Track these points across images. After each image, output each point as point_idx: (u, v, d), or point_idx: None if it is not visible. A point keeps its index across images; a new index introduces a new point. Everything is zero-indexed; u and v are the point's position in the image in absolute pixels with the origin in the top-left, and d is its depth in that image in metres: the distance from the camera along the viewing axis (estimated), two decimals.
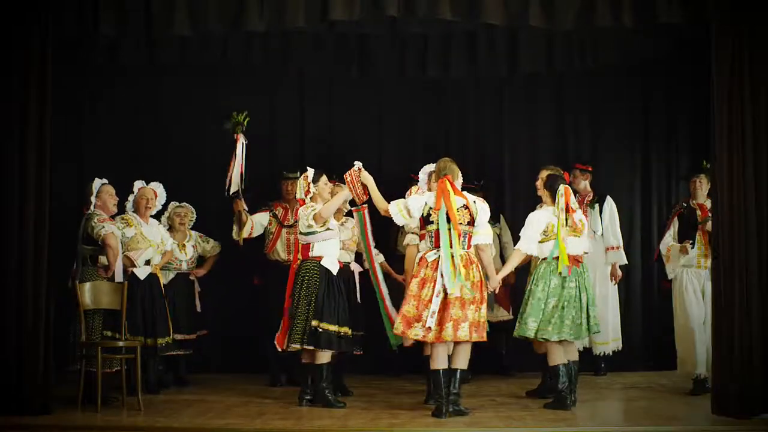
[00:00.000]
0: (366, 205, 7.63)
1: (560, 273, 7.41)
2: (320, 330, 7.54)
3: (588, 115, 10.31)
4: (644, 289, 10.10)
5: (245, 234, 8.82)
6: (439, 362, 7.18)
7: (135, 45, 9.15)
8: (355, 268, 8.37)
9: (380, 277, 7.85)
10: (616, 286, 9.49)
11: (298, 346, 7.61)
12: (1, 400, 7.04)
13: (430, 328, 7.05)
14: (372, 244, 7.88)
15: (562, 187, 7.53)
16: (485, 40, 9.55)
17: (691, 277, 8.27)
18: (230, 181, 8.52)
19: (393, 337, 7.55)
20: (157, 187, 8.56)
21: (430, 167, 8.03)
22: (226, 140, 9.78)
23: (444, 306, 7.07)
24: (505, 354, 9.57)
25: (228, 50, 9.37)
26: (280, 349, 7.83)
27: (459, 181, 7.39)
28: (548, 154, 10.08)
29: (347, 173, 7.56)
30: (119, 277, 7.92)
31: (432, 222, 7.18)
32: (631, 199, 10.14)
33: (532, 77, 10.06)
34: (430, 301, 7.07)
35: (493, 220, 9.35)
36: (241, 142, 8.49)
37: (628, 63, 9.84)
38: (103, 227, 7.83)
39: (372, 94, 10.24)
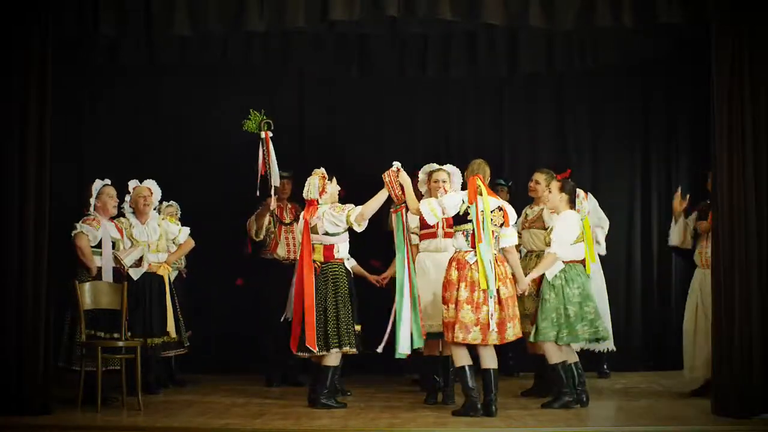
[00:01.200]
0: (404, 205, 7.52)
1: (583, 270, 7.53)
2: (360, 334, 7.59)
3: (588, 115, 10.31)
4: (644, 290, 10.10)
5: (261, 235, 8.82)
6: (463, 358, 7.17)
7: (135, 45, 9.16)
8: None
9: (413, 280, 7.56)
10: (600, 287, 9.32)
11: (349, 350, 7.53)
12: (1, 400, 7.04)
13: (492, 330, 7.06)
14: (410, 244, 7.69)
15: (581, 192, 7.64)
16: (485, 40, 9.56)
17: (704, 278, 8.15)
18: (266, 178, 8.44)
19: (419, 341, 7.47)
20: (152, 185, 8.53)
21: (431, 167, 8.04)
22: (226, 140, 9.83)
23: (501, 306, 7.10)
24: (511, 356, 9.55)
25: (228, 50, 9.38)
26: (301, 355, 7.68)
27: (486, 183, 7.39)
28: (548, 154, 10.09)
29: (386, 173, 7.45)
30: (108, 277, 7.92)
31: (470, 221, 7.16)
32: (631, 199, 10.14)
33: (532, 77, 10.07)
34: (485, 303, 7.08)
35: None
36: (270, 138, 8.43)
37: (628, 63, 9.85)
38: (76, 227, 7.86)
39: (372, 94, 10.24)
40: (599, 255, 9.12)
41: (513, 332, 7.20)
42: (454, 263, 7.20)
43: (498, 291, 7.11)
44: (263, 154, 8.40)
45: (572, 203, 7.64)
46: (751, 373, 6.92)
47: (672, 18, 7.11)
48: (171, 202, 9.10)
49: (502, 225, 7.26)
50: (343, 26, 8.55)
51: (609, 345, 9.22)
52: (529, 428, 6.80)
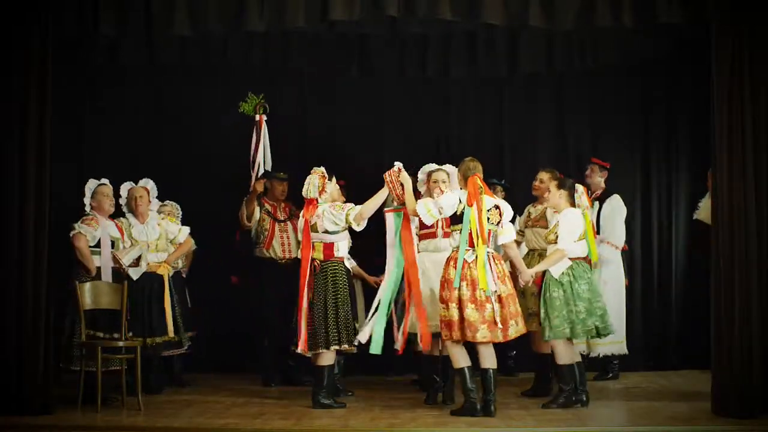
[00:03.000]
0: (404, 206, 7.54)
1: (592, 269, 7.56)
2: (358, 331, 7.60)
3: (588, 115, 10.30)
4: (644, 290, 10.10)
5: (253, 221, 8.82)
6: (462, 360, 7.19)
7: (135, 45, 9.16)
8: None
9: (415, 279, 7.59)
10: (618, 288, 9.35)
11: (349, 347, 7.58)
12: (1, 400, 7.04)
13: (498, 328, 7.07)
14: (415, 244, 7.68)
15: (580, 188, 7.62)
16: (485, 40, 9.56)
17: None
18: (255, 161, 8.45)
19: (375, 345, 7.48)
20: (147, 184, 8.53)
21: (430, 167, 8.04)
22: (226, 140, 9.84)
23: (502, 304, 7.12)
24: (512, 356, 9.55)
25: (228, 50, 9.38)
26: (305, 354, 7.69)
27: None
28: (548, 154, 10.09)
29: (387, 173, 7.48)
30: (106, 277, 7.91)
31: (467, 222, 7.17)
32: (631, 199, 10.13)
33: (532, 77, 10.06)
34: (488, 301, 7.09)
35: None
36: (264, 121, 8.45)
37: (628, 63, 9.85)
38: (74, 228, 7.85)
39: (372, 94, 10.24)
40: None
41: (515, 330, 7.21)
42: (452, 262, 7.20)
43: (498, 289, 7.12)
44: (256, 137, 8.42)
45: (572, 200, 7.65)
46: (751, 373, 6.92)
47: (672, 18, 7.11)
48: (167, 202, 9.06)
49: (498, 223, 7.27)
50: (343, 26, 8.55)
51: (622, 349, 9.20)
52: (529, 428, 6.80)
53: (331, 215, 7.58)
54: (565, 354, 7.48)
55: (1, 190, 7.17)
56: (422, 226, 7.74)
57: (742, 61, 7.05)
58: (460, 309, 7.09)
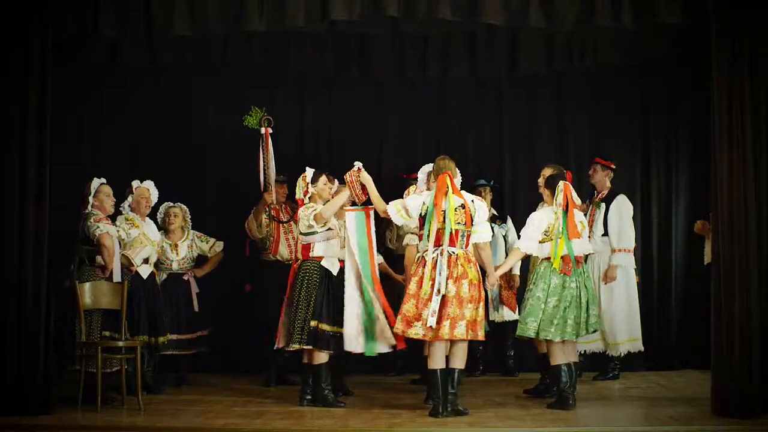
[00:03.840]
0: (370, 206, 7.57)
1: (555, 268, 7.44)
2: (318, 330, 7.54)
3: (588, 115, 10.30)
4: (644, 290, 10.08)
5: (263, 231, 8.84)
6: (437, 362, 7.19)
7: (135, 45, 9.15)
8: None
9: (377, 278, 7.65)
10: (631, 286, 9.34)
11: (297, 346, 7.60)
12: (1, 400, 7.04)
13: (431, 327, 7.06)
14: (374, 245, 7.73)
15: (561, 183, 7.55)
16: (485, 40, 9.55)
17: None
18: (265, 174, 8.48)
19: (371, 347, 7.49)
20: (150, 186, 8.57)
21: (430, 167, 8.04)
22: (227, 140, 9.84)
23: (442, 304, 7.08)
24: (512, 355, 9.54)
25: (228, 50, 9.37)
26: (276, 348, 7.82)
27: (458, 180, 7.41)
28: (548, 154, 10.07)
29: (347, 173, 7.55)
30: (117, 277, 7.91)
31: (430, 221, 7.18)
32: (631, 199, 10.10)
33: (532, 77, 10.06)
34: (430, 299, 7.08)
35: (501, 220, 9.38)
36: (270, 134, 8.48)
37: (628, 63, 9.84)
38: (98, 227, 7.82)
39: (372, 94, 10.24)
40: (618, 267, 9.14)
41: (459, 332, 7.10)
42: (419, 261, 7.25)
43: (443, 289, 7.09)
44: (262, 151, 8.44)
45: (553, 198, 7.59)
46: (751, 373, 6.92)
47: (672, 18, 7.10)
48: (177, 203, 9.08)
49: (467, 223, 7.24)
50: (343, 26, 8.54)
51: (632, 346, 9.20)
52: (529, 428, 6.80)
53: (304, 217, 7.63)
54: (560, 354, 7.47)
55: (1, 190, 7.17)
56: (422, 224, 7.73)
57: (742, 61, 7.04)
58: (403, 302, 7.17)
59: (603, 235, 9.16)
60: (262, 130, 8.43)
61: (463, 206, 7.25)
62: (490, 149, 10.22)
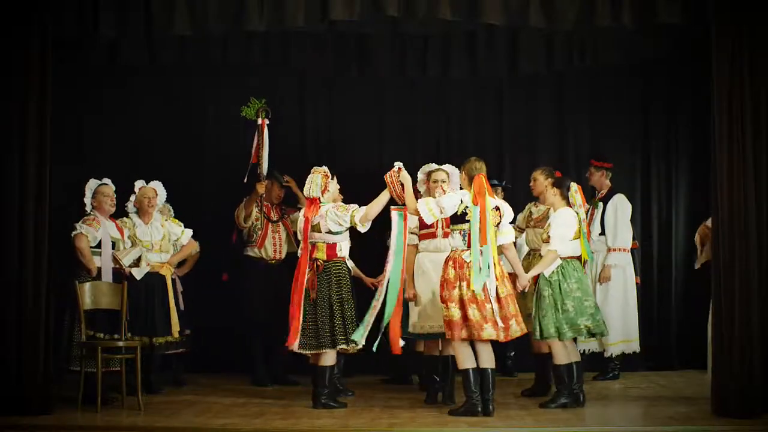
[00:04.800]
0: (406, 206, 7.52)
1: (584, 271, 7.50)
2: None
3: (588, 115, 10.30)
4: (644, 290, 10.08)
5: (249, 222, 8.83)
6: (468, 361, 7.16)
7: (135, 45, 9.15)
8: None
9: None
10: (628, 287, 9.34)
11: (353, 346, 7.48)
12: (1, 400, 7.04)
13: (500, 327, 7.08)
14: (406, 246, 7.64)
15: (574, 184, 7.58)
16: (485, 40, 9.56)
17: None
18: (257, 163, 8.47)
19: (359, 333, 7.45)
20: (157, 186, 8.58)
21: (430, 167, 8.04)
22: (226, 140, 9.83)
23: (500, 305, 7.12)
24: (511, 356, 9.53)
25: (228, 50, 9.37)
26: (304, 353, 7.65)
27: None
28: (548, 154, 10.08)
29: (387, 173, 7.43)
30: (106, 277, 7.91)
31: (467, 221, 7.16)
32: (631, 199, 10.11)
33: (532, 77, 10.06)
34: (487, 301, 7.09)
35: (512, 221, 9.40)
36: (267, 125, 8.48)
37: (628, 63, 9.84)
38: (76, 228, 7.86)
39: (372, 94, 10.24)
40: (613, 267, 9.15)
41: (514, 330, 7.19)
42: (450, 262, 7.20)
43: (496, 290, 7.12)
44: (257, 141, 8.45)
45: (567, 199, 7.62)
46: (751, 373, 6.92)
47: (672, 18, 7.10)
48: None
49: (498, 225, 7.28)
50: (343, 26, 8.54)
51: (627, 347, 9.21)
52: (529, 428, 6.80)
53: (336, 216, 7.56)
54: (563, 354, 7.48)
55: (1, 190, 7.17)
56: (422, 225, 7.73)
57: (742, 61, 7.04)
58: (463, 309, 7.08)
59: (600, 234, 9.17)
60: (259, 121, 8.45)
61: (497, 208, 7.27)
62: (490, 149, 10.21)
